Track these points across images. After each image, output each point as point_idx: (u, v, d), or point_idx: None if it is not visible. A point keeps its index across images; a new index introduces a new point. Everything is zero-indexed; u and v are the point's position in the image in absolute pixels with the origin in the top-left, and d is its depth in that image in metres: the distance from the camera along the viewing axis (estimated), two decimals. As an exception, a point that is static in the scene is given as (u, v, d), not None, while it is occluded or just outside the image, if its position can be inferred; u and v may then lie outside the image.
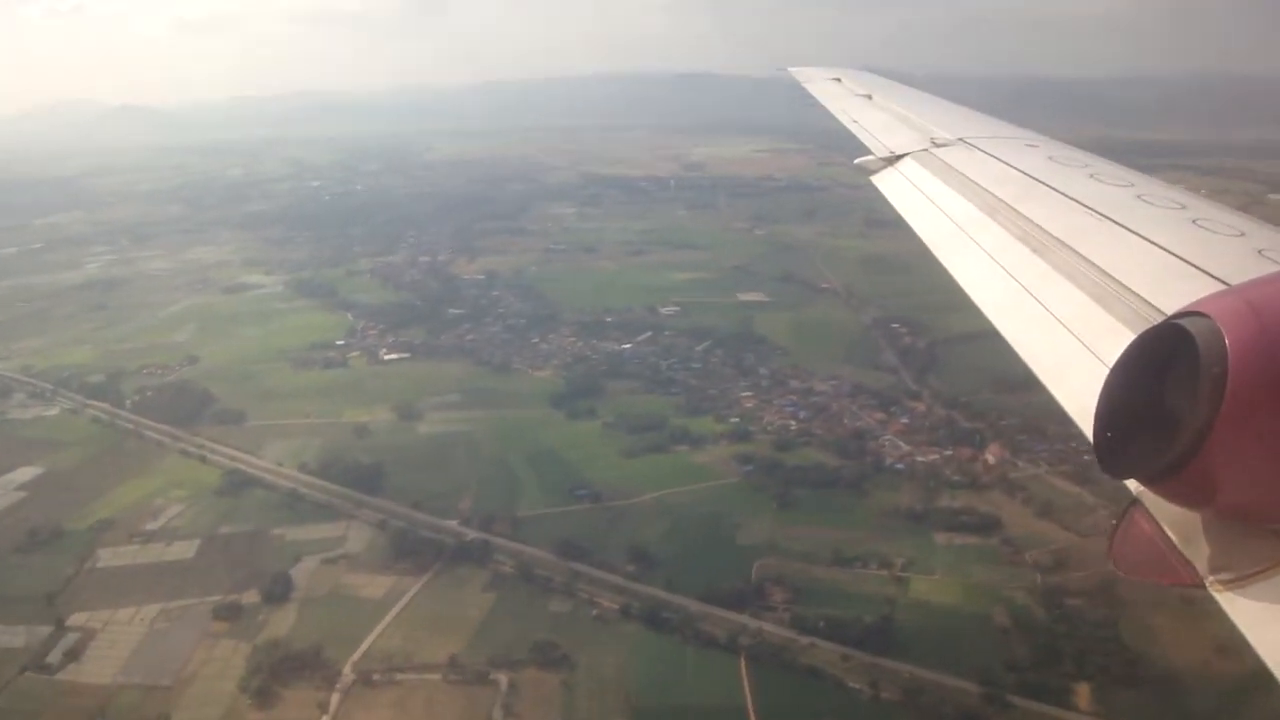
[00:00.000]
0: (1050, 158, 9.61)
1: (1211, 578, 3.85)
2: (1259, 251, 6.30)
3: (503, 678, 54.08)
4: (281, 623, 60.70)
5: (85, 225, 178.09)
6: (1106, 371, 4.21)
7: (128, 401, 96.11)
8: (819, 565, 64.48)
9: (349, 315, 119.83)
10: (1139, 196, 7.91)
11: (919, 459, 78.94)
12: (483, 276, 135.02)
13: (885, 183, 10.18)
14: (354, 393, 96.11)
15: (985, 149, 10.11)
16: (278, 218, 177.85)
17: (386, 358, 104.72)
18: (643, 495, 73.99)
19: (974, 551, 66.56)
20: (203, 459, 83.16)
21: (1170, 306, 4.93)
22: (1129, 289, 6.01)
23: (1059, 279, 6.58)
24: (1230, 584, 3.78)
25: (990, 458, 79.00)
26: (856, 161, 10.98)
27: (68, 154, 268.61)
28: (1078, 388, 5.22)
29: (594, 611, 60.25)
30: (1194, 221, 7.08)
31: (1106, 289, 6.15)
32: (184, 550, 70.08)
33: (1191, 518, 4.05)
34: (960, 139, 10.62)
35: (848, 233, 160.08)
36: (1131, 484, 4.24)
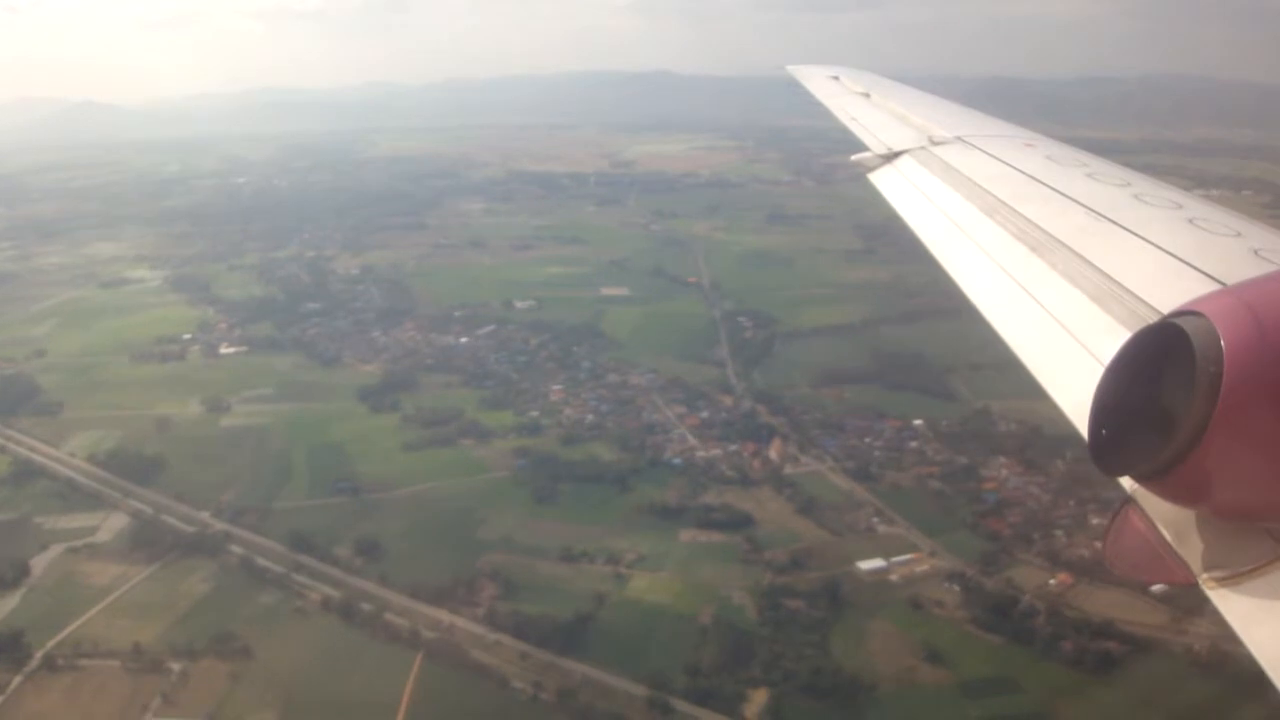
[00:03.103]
0: (1048, 157, 9.67)
1: (1205, 575, 3.86)
2: (1255, 251, 6.31)
3: (177, 667, 53.91)
4: (1, 608, 60.72)
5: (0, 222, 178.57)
6: (1103, 370, 4.21)
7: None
8: (547, 560, 63.92)
9: (210, 310, 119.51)
10: (1136, 196, 7.95)
11: (700, 454, 78.01)
12: (357, 271, 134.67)
13: (882, 180, 10.10)
14: (177, 386, 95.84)
15: (983, 147, 10.12)
16: (188, 213, 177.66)
17: (223, 351, 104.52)
18: (405, 488, 73.62)
19: (713, 549, 65.76)
20: (2, 449, 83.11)
21: (1166, 306, 4.98)
22: (1125, 288, 6.04)
23: (1056, 278, 6.63)
24: (1223, 581, 3.80)
25: (773, 453, 77.89)
26: (853, 158, 10.88)
27: (16, 151, 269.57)
28: (1074, 386, 5.22)
29: (298, 604, 59.81)
30: (1190, 221, 7.12)
31: (1103, 288, 6.17)
32: (-55, 538, 70.09)
33: (1185, 516, 4.05)
34: (958, 137, 10.62)
35: (744, 228, 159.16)
36: (1126, 482, 4.24)
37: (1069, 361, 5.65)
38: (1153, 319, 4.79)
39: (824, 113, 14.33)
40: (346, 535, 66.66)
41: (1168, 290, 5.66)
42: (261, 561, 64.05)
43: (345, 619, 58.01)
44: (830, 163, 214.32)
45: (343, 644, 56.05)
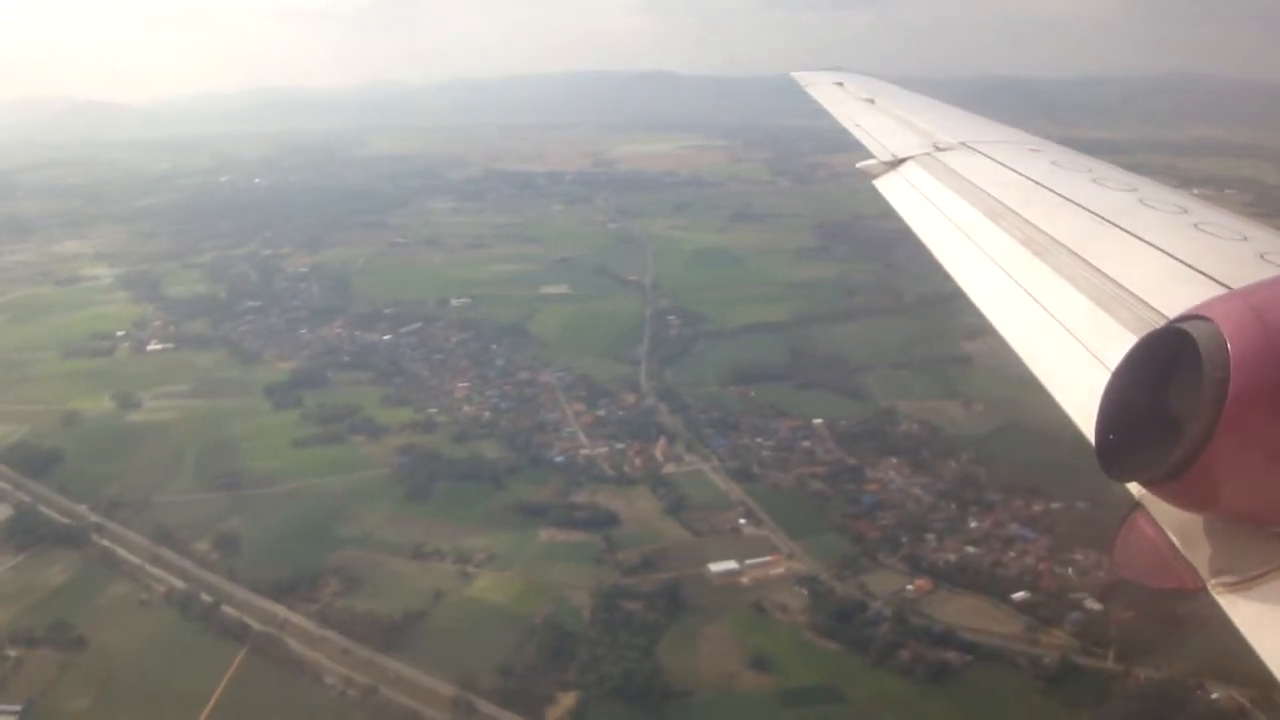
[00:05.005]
0: (1053, 162, 9.74)
1: (1213, 581, 3.87)
2: (1261, 255, 6.34)
3: (13, 654, 55.12)
4: None
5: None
6: (1109, 375, 4.21)
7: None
8: (398, 558, 64.24)
9: (150, 307, 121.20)
10: (1141, 200, 8.00)
11: (584, 452, 77.90)
12: (306, 269, 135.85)
13: (887, 186, 10.17)
14: (97, 381, 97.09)
15: (987, 153, 10.19)
16: (162, 211, 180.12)
17: (150, 348, 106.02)
18: (284, 484, 74.37)
19: (570, 548, 65.68)
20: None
21: (1172, 310, 5.00)
22: (1131, 293, 6.06)
23: (1061, 283, 6.65)
24: (1232, 587, 3.80)
25: (657, 452, 77.54)
26: (859, 165, 10.98)
27: (16, 149, 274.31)
28: (1080, 391, 5.23)
29: (144, 596, 60.66)
30: (1196, 225, 7.14)
31: (1109, 293, 6.18)
32: None
33: (1194, 521, 4.05)
34: (962, 143, 10.68)
35: (705, 226, 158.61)
36: (1134, 487, 4.28)
37: (1075, 366, 5.60)
38: (1159, 323, 4.80)
39: (826, 114, 14.42)
40: (211, 530, 67.53)
41: (1173, 295, 5.63)
42: (122, 553, 65.14)
43: (184, 611, 58.76)
44: (813, 162, 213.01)
45: (176, 636, 56.82)
